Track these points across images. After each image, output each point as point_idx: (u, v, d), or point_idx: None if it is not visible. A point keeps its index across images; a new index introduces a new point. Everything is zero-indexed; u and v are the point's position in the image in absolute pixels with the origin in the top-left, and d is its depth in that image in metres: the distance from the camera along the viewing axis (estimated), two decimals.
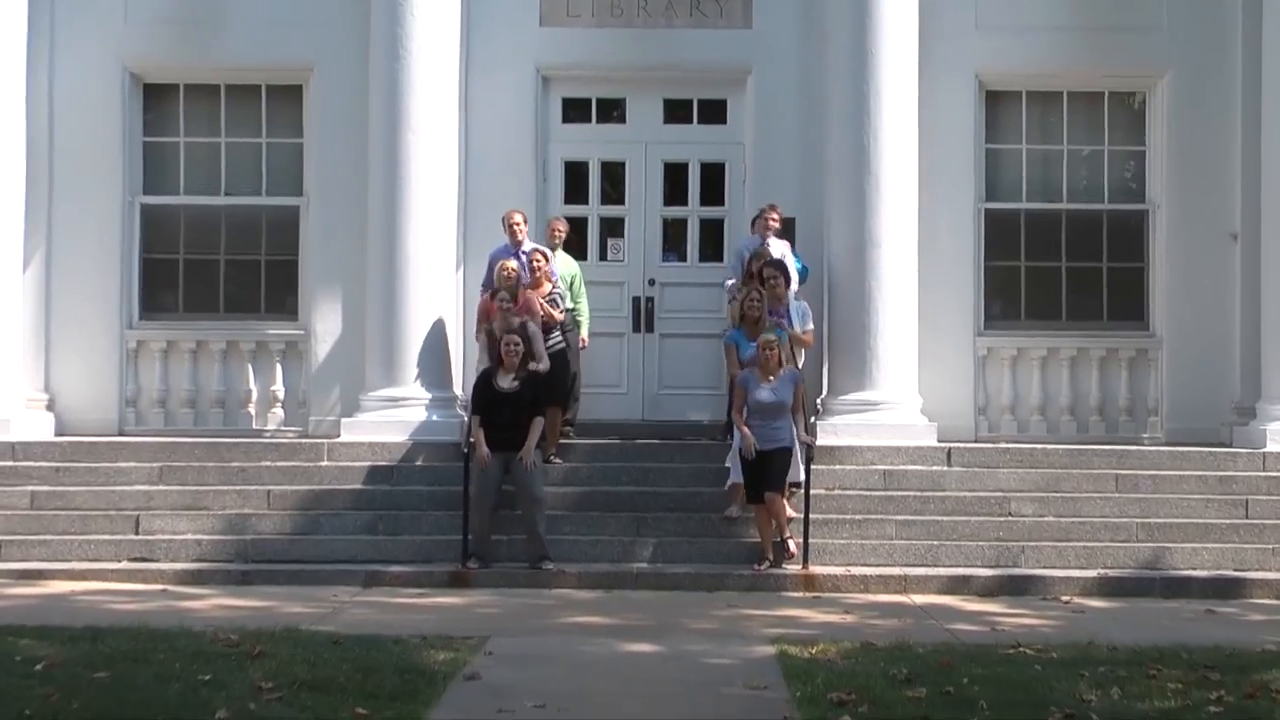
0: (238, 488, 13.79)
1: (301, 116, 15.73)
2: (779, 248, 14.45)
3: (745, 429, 12.83)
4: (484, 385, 13.21)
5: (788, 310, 13.83)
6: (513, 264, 13.94)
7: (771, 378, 12.95)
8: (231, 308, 15.78)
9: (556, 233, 14.65)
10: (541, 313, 13.83)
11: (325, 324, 15.57)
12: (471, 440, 13.14)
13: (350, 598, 12.20)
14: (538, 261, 14.15)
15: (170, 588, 12.58)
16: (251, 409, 15.62)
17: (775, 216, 14.52)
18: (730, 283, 14.51)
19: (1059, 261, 15.89)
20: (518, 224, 14.41)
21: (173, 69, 15.67)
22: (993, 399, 15.73)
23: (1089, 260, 15.88)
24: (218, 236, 15.80)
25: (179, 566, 12.96)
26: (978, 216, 15.74)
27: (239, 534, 13.34)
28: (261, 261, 15.80)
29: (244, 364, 15.59)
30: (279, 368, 15.60)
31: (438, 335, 14.48)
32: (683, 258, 15.88)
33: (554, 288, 14.24)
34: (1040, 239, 15.87)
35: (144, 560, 13.03)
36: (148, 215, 15.76)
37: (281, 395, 15.64)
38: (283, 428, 15.58)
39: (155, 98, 15.84)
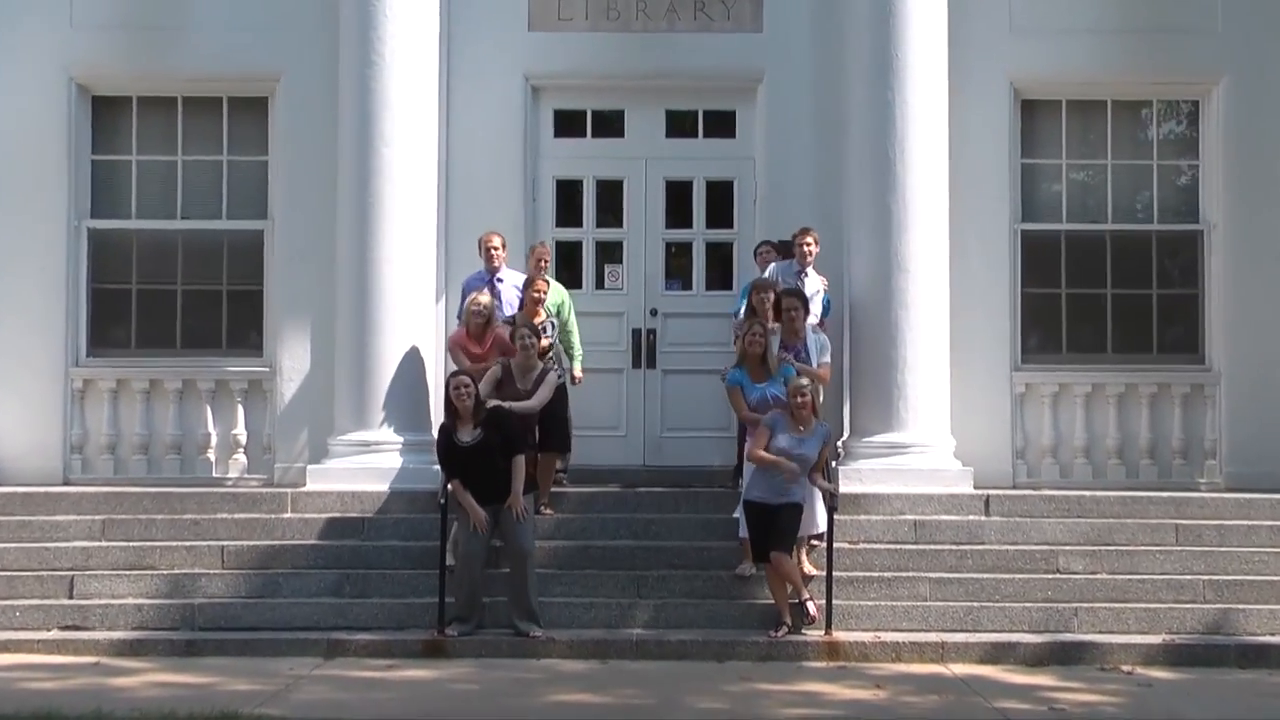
0: (188, 544, 12.38)
1: (266, 131, 14.44)
2: (815, 282, 13.07)
3: (769, 456, 11.38)
4: (445, 443, 11.78)
5: (805, 345, 12.37)
6: (485, 298, 12.62)
7: (802, 428, 11.51)
8: (189, 343, 14.44)
9: (544, 262, 13.31)
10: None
11: (293, 360, 14.24)
12: (449, 490, 11.71)
13: (307, 671, 10.78)
14: (539, 292, 12.82)
15: (103, 660, 11.13)
16: (211, 455, 14.24)
17: (811, 240, 13.09)
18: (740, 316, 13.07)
19: (1103, 288, 14.53)
20: (495, 249, 13.15)
21: (124, 79, 14.38)
22: (1032, 441, 14.33)
23: (1137, 287, 14.53)
24: (174, 264, 14.45)
25: (115, 635, 11.52)
26: (1013, 238, 14.41)
27: (186, 597, 11.92)
28: (222, 292, 14.48)
29: (202, 405, 14.24)
30: (241, 409, 14.26)
31: (414, 373, 13.15)
32: (687, 285, 14.57)
33: (545, 317, 12.88)
34: (1082, 263, 14.52)
35: (76, 628, 11.61)
36: (96, 241, 14.42)
37: (244, 440, 14.27)
38: (245, 475, 14.19)
39: (105, 111, 14.52)
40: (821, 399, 12.04)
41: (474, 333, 12.64)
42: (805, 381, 11.62)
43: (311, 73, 14.02)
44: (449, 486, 11.69)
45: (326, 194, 13.54)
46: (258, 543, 12.37)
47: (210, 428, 14.19)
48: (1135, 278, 14.50)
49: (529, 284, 12.83)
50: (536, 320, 12.68)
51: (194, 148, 14.48)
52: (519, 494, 11.59)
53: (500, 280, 13.15)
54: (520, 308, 12.83)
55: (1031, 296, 14.43)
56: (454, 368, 12.56)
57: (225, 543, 12.34)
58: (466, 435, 11.64)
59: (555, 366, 12.72)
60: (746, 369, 12.05)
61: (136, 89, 14.43)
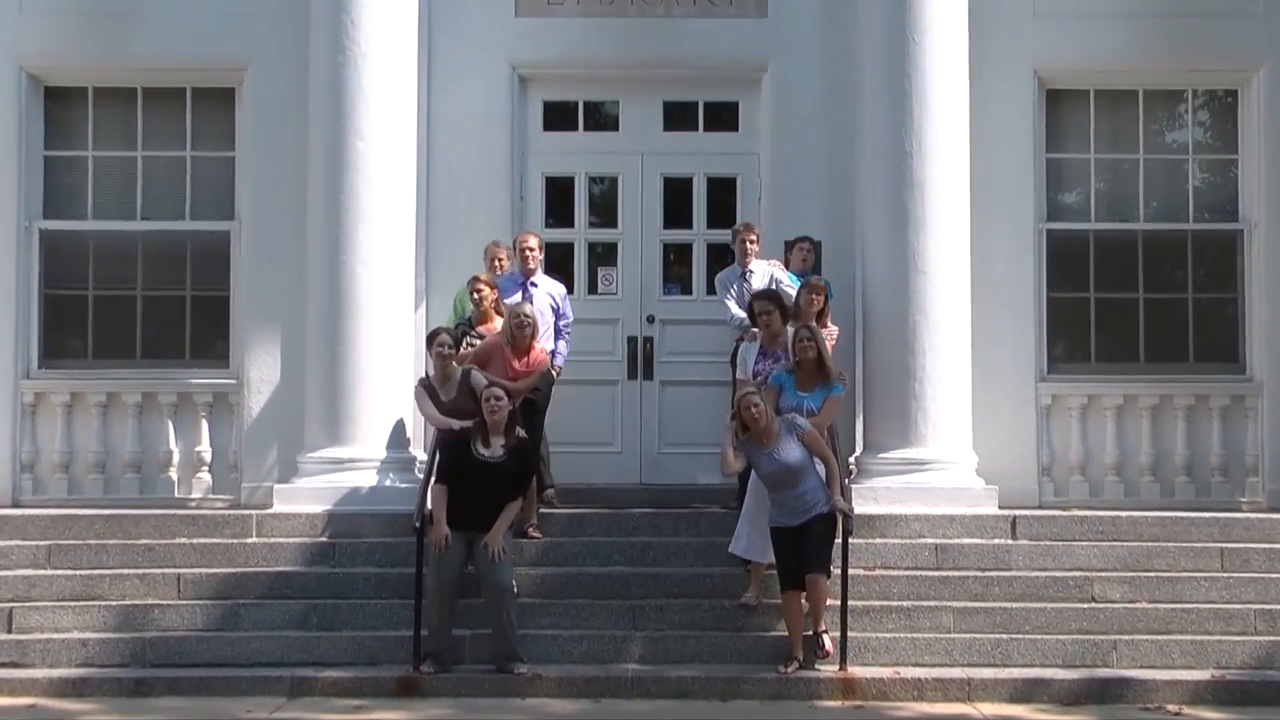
0: (142, 571, 11.37)
1: (233, 125, 13.52)
2: (762, 273, 12.23)
3: (728, 452, 10.57)
4: (458, 449, 10.78)
5: (786, 351, 11.39)
6: (529, 308, 11.79)
7: (765, 440, 10.50)
8: (149, 353, 13.50)
9: (498, 261, 12.52)
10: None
11: (261, 371, 13.30)
12: (428, 513, 10.70)
13: (268, 713, 9.80)
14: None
15: (41, 701, 10.14)
16: (173, 474, 13.27)
17: (754, 237, 12.32)
18: (739, 316, 12.06)
19: (1135, 292, 13.58)
20: (532, 249, 12.31)
21: (79, 69, 13.45)
22: (1059, 457, 13.37)
23: (1171, 290, 13.59)
24: (133, 268, 13.51)
25: (56, 674, 10.50)
26: (1038, 239, 13.46)
27: (138, 630, 10.91)
28: (186, 298, 13.54)
29: (164, 420, 13.29)
30: (205, 424, 13.32)
31: (390, 387, 12.15)
32: (687, 290, 13.60)
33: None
34: (1112, 266, 13.57)
35: (13, 665, 10.60)
36: (49, 243, 13.48)
37: (209, 457, 13.32)
38: (210, 496, 13.23)
39: (58, 104, 13.61)
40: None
41: (519, 347, 11.65)
42: (753, 391, 10.70)
43: (281, 62, 13.14)
44: (429, 493, 10.74)
45: (298, 193, 12.62)
46: (218, 570, 11.37)
47: (172, 444, 13.26)
48: (1169, 281, 13.58)
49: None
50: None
51: (155, 143, 13.57)
52: (499, 533, 10.61)
53: (535, 285, 12.17)
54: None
55: (1058, 301, 13.51)
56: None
57: (182, 570, 11.35)
58: (488, 450, 10.67)
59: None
60: (797, 375, 11.08)
61: (92, 80, 13.53)
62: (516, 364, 11.64)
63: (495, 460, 10.69)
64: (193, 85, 13.53)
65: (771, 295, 11.58)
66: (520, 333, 11.60)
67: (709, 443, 12.95)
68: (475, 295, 11.98)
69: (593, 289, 13.53)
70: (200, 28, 13.25)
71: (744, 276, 12.18)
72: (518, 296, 11.97)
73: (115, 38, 13.25)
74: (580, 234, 13.61)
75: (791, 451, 10.49)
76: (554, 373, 12.00)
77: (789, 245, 12.89)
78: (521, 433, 10.96)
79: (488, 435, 10.76)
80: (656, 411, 13.42)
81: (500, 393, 10.83)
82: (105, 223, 13.49)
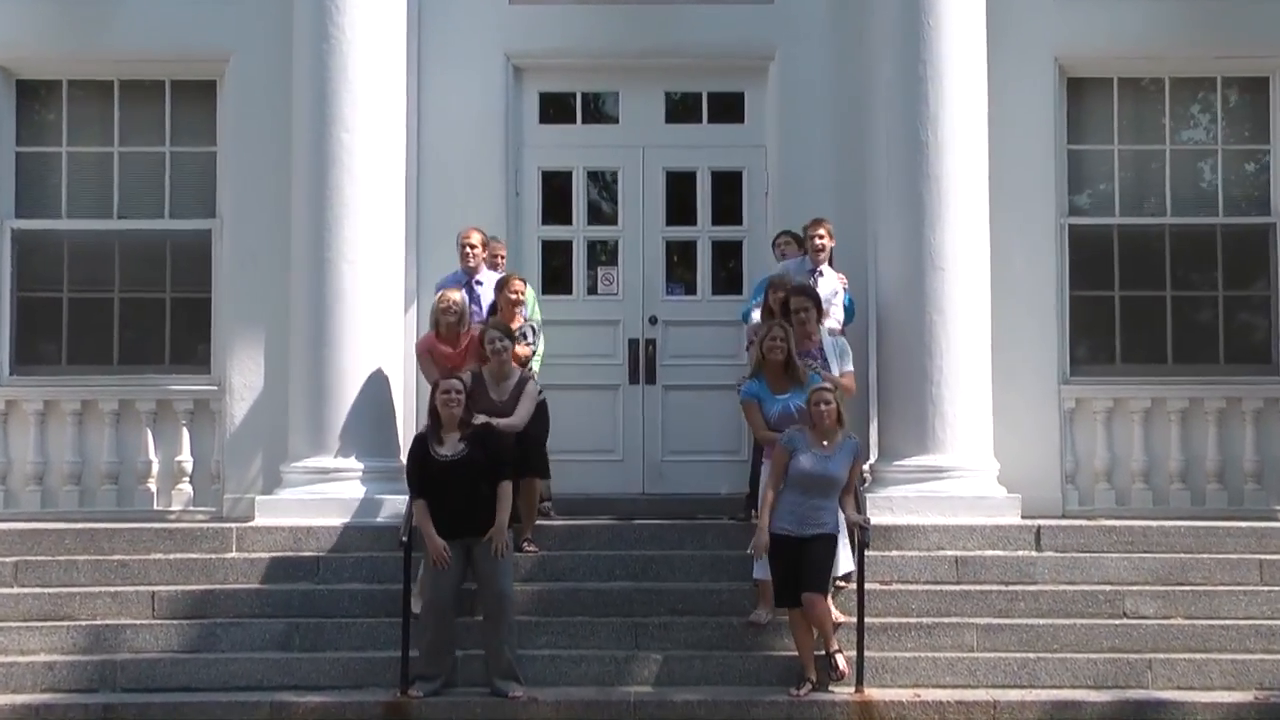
0: (114, 589, 10.77)
1: (214, 119, 12.94)
2: (831, 281, 11.53)
3: (767, 516, 9.78)
4: (419, 455, 10.14)
5: (821, 350, 10.78)
6: (456, 294, 11.16)
7: (826, 442, 9.86)
8: (127, 358, 12.89)
9: (500, 259, 11.97)
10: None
11: (244, 377, 12.70)
12: (413, 527, 10.08)
13: None
14: (515, 290, 11.27)
15: None
16: (152, 485, 12.65)
17: (824, 233, 11.57)
18: (754, 317, 11.46)
19: (1162, 290, 12.95)
20: (473, 247, 11.65)
21: (53, 61, 12.87)
22: (1083, 463, 12.74)
23: (1200, 288, 12.97)
24: (110, 269, 12.91)
25: (19, 699, 9.89)
26: (1059, 234, 12.84)
27: (108, 652, 10.31)
28: (166, 300, 12.94)
29: (142, 429, 12.67)
30: (186, 433, 12.70)
31: (379, 391, 11.55)
32: (691, 290, 12.98)
33: (524, 322, 11.37)
34: (1138, 262, 12.95)
35: None
36: (21, 243, 12.91)
37: (189, 468, 12.70)
38: (191, 508, 12.62)
39: (31, 97, 13.04)
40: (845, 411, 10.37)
41: (445, 334, 11.06)
42: (829, 386, 9.97)
43: (265, 53, 12.55)
44: (412, 509, 10.10)
45: (282, 190, 12.04)
46: (194, 587, 10.77)
47: (151, 454, 12.65)
48: (1198, 278, 12.98)
49: (504, 284, 11.25)
50: (515, 325, 11.08)
51: (133, 138, 13.00)
52: (503, 526, 9.97)
53: (479, 283, 11.60)
54: (493, 312, 11.23)
55: (1081, 300, 12.89)
56: (425, 382, 10.95)
57: (157, 588, 10.74)
58: (447, 448, 10.00)
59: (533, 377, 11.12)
60: (766, 379, 10.39)
61: (67, 72, 12.95)
62: (448, 349, 10.97)
63: (458, 457, 10.00)
64: (172, 78, 12.96)
65: (808, 291, 10.91)
66: (446, 318, 10.96)
67: (715, 450, 12.49)
68: (511, 294, 11.26)
69: (592, 289, 12.94)
70: (180, 17, 12.68)
71: (814, 274, 11.42)
72: (462, 294, 11.32)
73: (91, 28, 12.69)
74: (578, 231, 13.01)
75: (843, 465, 9.89)
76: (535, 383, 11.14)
77: (773, 242, 12.25)
78: (479, 418, 10.22)
79: (440, 433, 10.07)
80: (659, 417, 12.81)
81: (457, 384, 10.10)
82: (80, 222, 12.92)
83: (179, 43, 12.69)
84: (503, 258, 12.03)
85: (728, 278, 12.95)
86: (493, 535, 9.89)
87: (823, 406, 9.82)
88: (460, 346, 11.02)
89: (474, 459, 9.97)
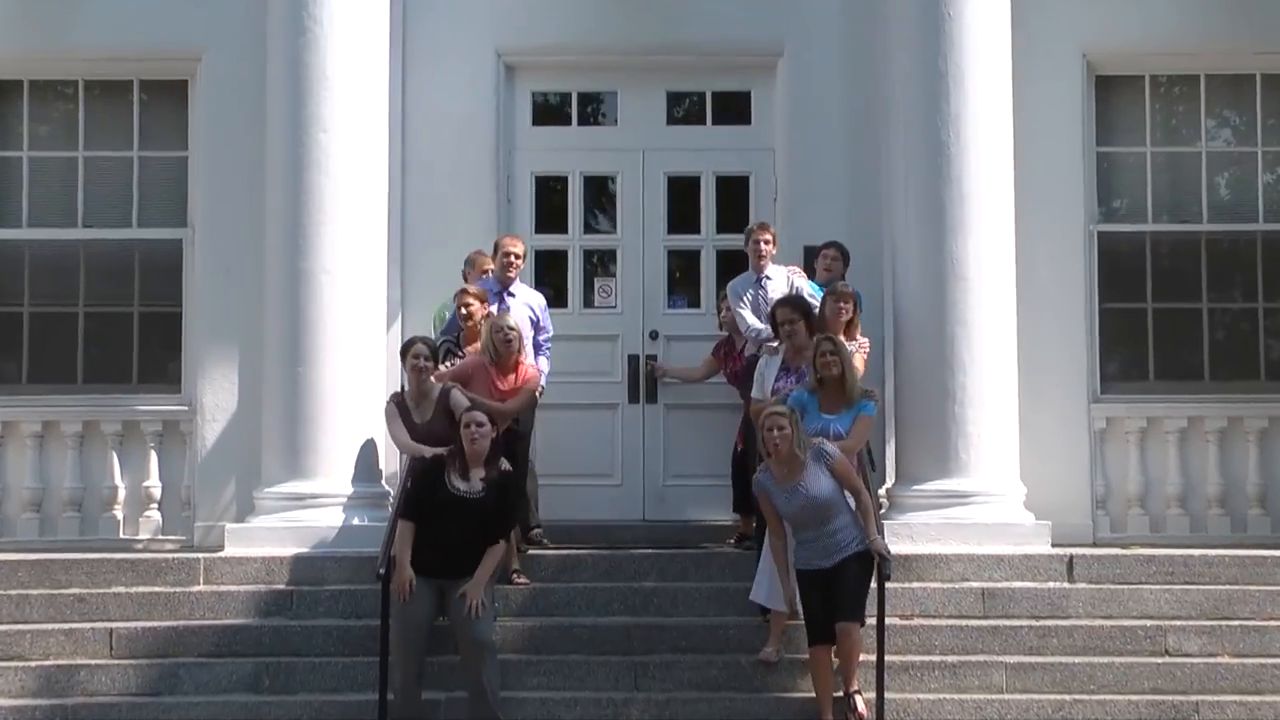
0: (70, 626, 9.98)
1: (186, 122, 12.24)
2: (780, 282, 10.93)
3: (791, 578, 9.14)
4: (430, 480, 9.35)
5: (811, 365, 10.03)
6: (511, 319, 10.48)
7: (786, 470, 9.10)
8: (92, 377, 12.17)
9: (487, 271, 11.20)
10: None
11: (217, 396, 11.96)
12: (392, 556, 9.30)
13: None
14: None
15: None
16: (118, 512, 11.88)
17: (768, 238, 11.00)
18: (756, 327, 10.75)
19: (1198, 302, 12.25)
20: (518, 256, 10.98)
21: (13, 60, 12.13)
22: (1115, 487, 11.98)
23: (1240, 299, 12.26)
24: (74, 282, 12.20)
25: None
26: (1088, 242, 12.13)
27: (59, 695, 9.52)
28: (133, 315, 12.22)
29: (107, 452, 11.92)
30: (155, 456, 11.95)
31: (360, 411, 10.80)
32: (694, 303, 12.27)
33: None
34: (1172, 272, 12.26)
35: None
36: None
37: (158, 493, 11.93)
38: (160, 536, 11.84)
39: None
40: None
41: (504, 365, 10.34)
42: (782, 409, 9.25)
43: (239, 50, 11.82)
44: (395, 531, 9.35)
45: (259, 197, 11.28)
46: (157, 624, 9.97)
47: (117, 479, 11.90)
48: (1238, 288, 12.27)
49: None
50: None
51: (99, 142, 12.30)
52: (480, 584, 9.16)
53: (512, 295, 10.84)
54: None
55: (1111, 313, 12.19)
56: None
57: (116, 624, 9.95)
58: (465, 484, 9.24)
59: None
60: (820, 396, 9.68)
61: (28, 72, 12.25)
62: (501, 384, 10.29)
63: (473, 496, 9.27)
64: (141, 77, 12.25)
65: (797, 302, 10.23)
66: (506, 348, 10.27)
67: (721, 474, 11.69)
68: (463, 310, 10.58)
69: (588, 302, 12.19)
70: (149, 13, 11.96)
71: (759, 283, 10.83)
72: (493, 308, 10.68)
73: (53, 25, 11.96)
74: (574, 240, 12.27)
75: (820, 484, 9.07)
76: (537, 393, 10.57)
77: (812, 252, 11.53)
78: (505, 465, 9.60)
79: (466, 466, 9.34)
80: (661, 439, 12.06)
81: (482, 418, 9.42)
82: (42, 231, 12.20)
83: (148, 40, 12.00)
84: (488, 272, 11.28)
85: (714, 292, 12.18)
86: (466, 590, 9.08)
87: (776, 433, 9.01)
88: (510, 380, 10.37)
89: (485, 505, 9.25)
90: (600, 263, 12.27)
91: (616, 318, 12.13)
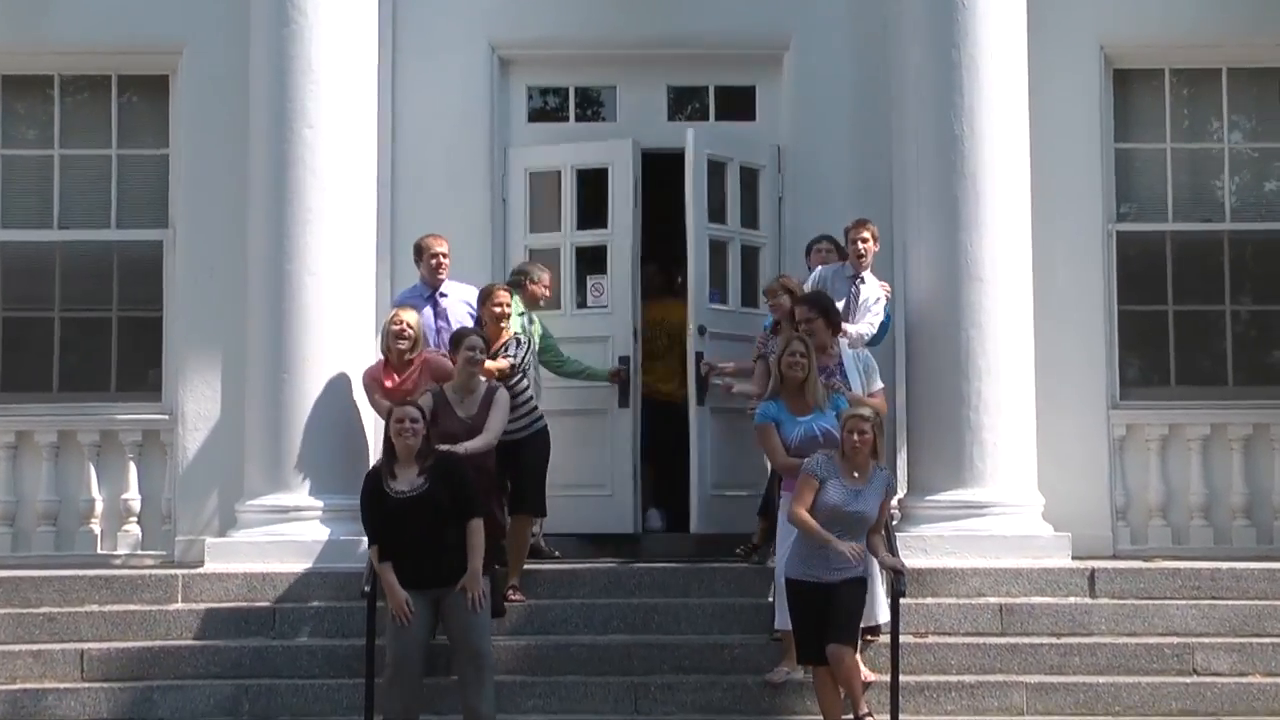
0: (39, 647, 9.53)
1: (167, 118, 11.83)
2: (874, 290, 10.36)
3: (816, 525, 8.44)
4: (372, 492, 8.81)
5: (840, 366, 9.62)
6: (409, 314, 9.97)
7: (857, 474, 8.55)
8: (68, 385, 11.76)
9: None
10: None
11: (198, 405, 11.54)
12: (375, 578, 8.81)
13: None
14: (500, 303, 10.05)
15: None
16: (95, 526, 11.45)
17: (868, 235, 10.40)
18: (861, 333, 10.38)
19: (1221, 304, 11.83)
20: (442, 256, 10.47)
21: None
22: (1135, 497, 11.54)
23: (1264, 301, 11.83)
24: (49, 285, 11.79)
25: None
26: (1106, 242, 11.70)
27: None
28: (112, 319, 11.80)
29: (84, 463, 11.49)
30: (134, 468, 11.51)
31: (347, 419, 10.37)
32: (723, 299, 11.60)
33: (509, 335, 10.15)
34: (1194, 272, 11.83)
35: None
36: None
37: (137, 506, 11.49)
38: (139, 551, 11.41)
39: None
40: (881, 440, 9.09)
41: (393, 362, 9.89)
42: (866, 412, 8.65)
43: (224, 43, 11.41)
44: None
45: (242, 195, 10.85)
46: (131, 644, 9.54)
47: (94, 492, 11.46)
48: (1261, 290, 11.85)
49: (486, 296, 10.01)
50: (500, 341, 9.89)
51: (76, 139, 11.89)
52: (478, 572, 8.62)
53: (444, 295, 10.40)
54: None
55: (1131, 315, 11.76)
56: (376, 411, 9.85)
57: (88, 645, 9.51)
58: (404, 483, 8.67)
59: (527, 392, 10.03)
60: (784, 399, 9.11)
61: (1, 66, 11.81)
62: (390, 382, 9.82)
63: (416, 493, 8.64)
64: (119, 72, 11.84)
65: (815, 300, 9.68)
66: (398, 344, 9.80)
67: (726, 483, 11.13)
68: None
69: (581, 302, 11.62)
70: (127, 5, 11.56)
71: (854, 280, 10.29)
72: (427, 310, 10.27)
73: (27, 16, 11.55)
74: (567, 238, 11.67)
75: (874, 501, 8.60)
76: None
77: (808, 249, 11.03)
78: (445, 447, 8.96)
79: (395, 466, 8.72)
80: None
81: (415, 413, 8.75)
82: (16, 232, 11.78)
83: (127, 33, 11.60)
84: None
85: (739, 288, 11.59)
86: (465, 584, 8.56)
87: (857, 436, 8.51)
88: (405, 375, 9.81)
89: (434, 495, 8.61)
90: (594, 261, 11.59)
91: (608, 317, 11.48)
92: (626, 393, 11.21)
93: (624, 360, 11.22)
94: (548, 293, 10.78)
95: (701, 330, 11.09)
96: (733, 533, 10.70)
